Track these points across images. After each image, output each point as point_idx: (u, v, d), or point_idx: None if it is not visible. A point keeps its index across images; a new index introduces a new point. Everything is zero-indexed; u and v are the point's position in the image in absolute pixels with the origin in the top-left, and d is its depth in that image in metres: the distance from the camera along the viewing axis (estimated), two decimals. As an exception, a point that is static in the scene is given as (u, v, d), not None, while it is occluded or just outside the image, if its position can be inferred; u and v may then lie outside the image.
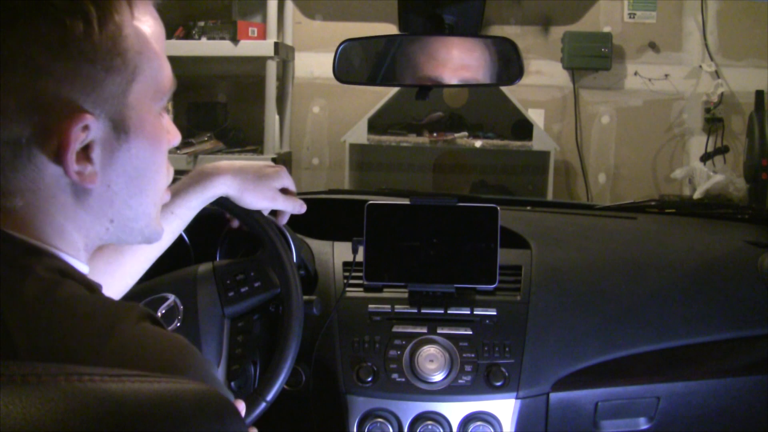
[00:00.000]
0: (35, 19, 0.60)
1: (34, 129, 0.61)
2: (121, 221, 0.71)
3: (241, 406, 0.97)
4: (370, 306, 1.40)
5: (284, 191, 1.24)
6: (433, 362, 1.33)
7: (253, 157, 3.51)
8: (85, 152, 0.64)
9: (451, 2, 1.36)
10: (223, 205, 1.21)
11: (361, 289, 1.44)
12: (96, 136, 0.64)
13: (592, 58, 3.69)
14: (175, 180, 0.80)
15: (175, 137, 0.76)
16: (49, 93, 0.61)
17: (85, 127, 0.63)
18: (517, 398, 1.32)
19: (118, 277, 1.08)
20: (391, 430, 1.31)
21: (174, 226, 1.12)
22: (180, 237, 1.25)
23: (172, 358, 0.60)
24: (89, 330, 0.59)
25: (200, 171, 1.17)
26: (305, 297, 1.26)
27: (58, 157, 0.62)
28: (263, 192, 1.20)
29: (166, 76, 0.72)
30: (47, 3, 0.60)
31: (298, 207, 1.26)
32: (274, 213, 1.28)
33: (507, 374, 1.32)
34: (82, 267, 0.70)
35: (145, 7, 0.69)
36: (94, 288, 0.66)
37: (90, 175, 0.65)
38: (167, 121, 0.75)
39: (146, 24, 0.68)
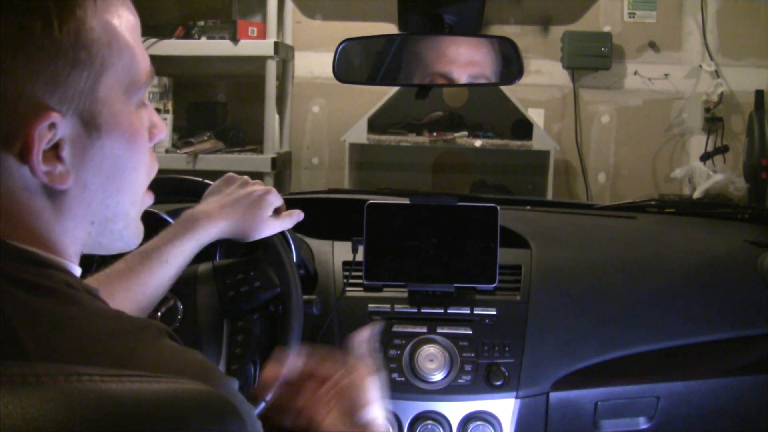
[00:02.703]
0: None
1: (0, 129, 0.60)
2: (101, 223, 0.69)
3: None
4: (369, 305, 1.40)
5: (277, 210, 1.23)
6: (432, 362, 1.33)
7: (252, 157, 3.51)
8: (55, 151, 0.62)
9: (451, 2, 1.36)
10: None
11: (360, 288, 1.44)
12: (65, 134, 0.62)
13: (591, 58, 3.69)
14: (157, 180, 0.76)
15: (161, 130, 0.73)
16: (11, 92, 0.59)
17: (52, 126, 0.61)
18: (516, 398, 1.32)
19: (134, 303, 1.07)
20: (390, 429, 1.31)
21: (169, 274, 1.11)
22: None
23: (196, 374, 0.59)
24: (111, 348, 0.58)
25: (190, 217, 1.14)
26: (305, 296, 1.26)
27: (24, 158, 0.60)
28: (257, 225, 1.19)
29: (141, 68, 0.68)
30: (2, 2, 0.58)
31: (295, 220, 1.25)
32: None
33: (507, 374, 1.33)
34: (78, 273, 0.69)
35: None
36: (103, 300, 0.65)
37: (60, 176, 0.63)
38: (152, 113, 0.73)
39: (115, 15, 0.65)
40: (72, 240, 0.67)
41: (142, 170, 0.72)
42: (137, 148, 0.69)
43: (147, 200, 0.75)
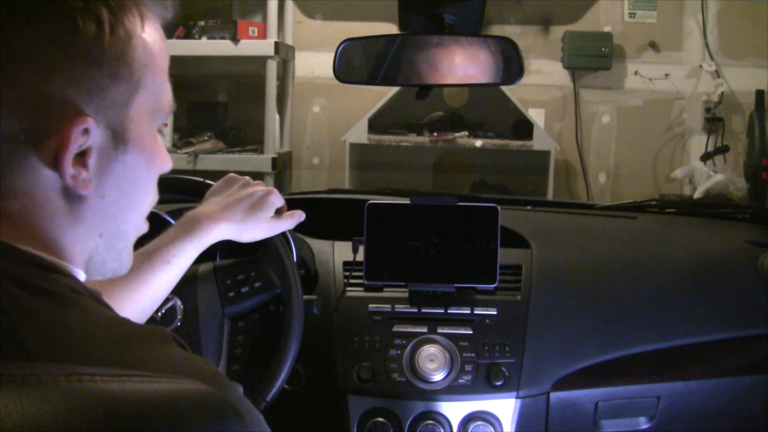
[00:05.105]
0: (49, 16, 0.60)
1: (34, 127, 0.61)
2: (108, 237, 0.70)
3: None
4: (370, 306, 1.40)
5: (278, 211, 1.23)
6: (433, 362, 1.33)
7: (252, 157, 3.51)
8: (82, 158, 0.63)
9: (452, 2, 1.36)
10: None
11: (361, 288, 1.44)
12: (94, 143, 0.63)
13: (592, 58, 3.69)
14: (159, 179, 0.77)
15: (166, 163, 0.75)
16: (54, 92, 0.61)
17: (85, 131, 0.62)
18: (517, 398, 1.32)
19: (136, 304, 1.07)
20: (391, 429, 1.31)
21: (171, 275, 1.11)
22: None
23: (201, 380, 0.59)
24: (116, 353, 0.58)
25: (192, 219, 1.15)
26: (305, 297, 1.26)
27: (55, 159, 0.62)
28: (259, 226, 1.20)
29: (166, 94, 0.71)
30: (62, 2, 0.60)
31: (296, 220, 1.25)
32: None
33: (507, 374, 1.32)
34: (83, 278, 0.69)
35: (154, 23, 0.69)
36: (108, 305, 0.65)
37: (84, 182, 0.64)
38: (162, 145, 0.75)
39: (153, 40, 0.68)
40: (81, 248, 0.68)
41: (151, 195, 0.74)
42: (153, 170, 0.72)
43: (143, 227, 0.76)
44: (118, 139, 0.66)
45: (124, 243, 0.73)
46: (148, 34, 0.67)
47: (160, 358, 0.60)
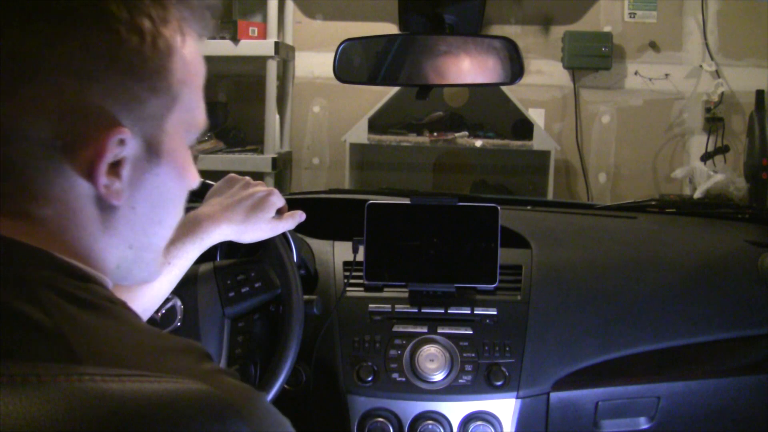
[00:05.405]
0: (93, 26, 0.60)
1: (70, 134, 0.61)
2: (138, 248, 0.70)
3: None
4: (370, 305, 1.40)
5: (279, 211, 1.23)
6: (433, 362, 1.33)
7: (252, 157, 3.51)
8: (115, 168, 0.63)
9: (452, 2, 1.36)
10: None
11: (361, 288, 1.44)
12: (128, 154, 0.64)
13: (592, 58, 3.69)
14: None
15: (196, 179, 0.75)
16: (92, 101, 0.61)
17: (121, 142, 0.62)
18: (517, 398, 1.32)
19: (137, 305, 1.07)
20: (391, 429, 1.31)
21: (172, 276, 1.12)
22: None
23: (234, 396, 0.59)
24: (157, 363, 0.58)
25: (193, 219, 1.15)
26: (306, 297, 1.26)
27: (90, 168, 0.62)
28: (260, 226, 1.20)
29: (201, 112, 0.72)
30: (106, 12, 0.60)
31: (297, 220, 1.25)
32: None
33: (507, 374, 1.33)
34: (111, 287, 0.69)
35: (194, 40, 0.70)
36: (138, 315, 0.66)
37: (117, 192, 0.64)
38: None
39: (192, 57, 0.69)
40: (110, 258, 0.68)
41: (180, 209, 0.74)
42: (184, 185, 0.72)
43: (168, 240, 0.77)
44: (152, 151, 0.66)
45: (154, 254, 0.73)
46: (188, 51, 0.68)
47: (200, 371, 0.60)
